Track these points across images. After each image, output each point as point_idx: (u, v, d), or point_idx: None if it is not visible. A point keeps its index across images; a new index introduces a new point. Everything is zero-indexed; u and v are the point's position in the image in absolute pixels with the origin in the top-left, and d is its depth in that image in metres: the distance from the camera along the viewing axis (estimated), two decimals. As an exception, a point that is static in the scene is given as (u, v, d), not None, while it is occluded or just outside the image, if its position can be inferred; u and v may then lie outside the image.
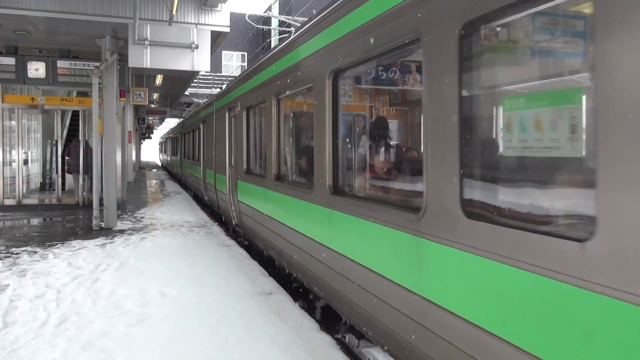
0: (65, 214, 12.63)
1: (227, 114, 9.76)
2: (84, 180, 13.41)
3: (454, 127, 2.66)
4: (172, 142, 32.14)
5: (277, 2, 31.62)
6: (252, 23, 17.78)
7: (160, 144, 55.09)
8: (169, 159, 36.55)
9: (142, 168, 40.92)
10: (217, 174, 11.05)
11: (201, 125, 14.43)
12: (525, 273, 2.16)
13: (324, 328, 4.81)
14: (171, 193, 19.18)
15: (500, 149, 2.75)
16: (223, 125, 10.19)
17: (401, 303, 3.20)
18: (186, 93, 25.17)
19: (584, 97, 2.13)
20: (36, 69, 11.06)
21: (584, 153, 2.10)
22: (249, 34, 33.15)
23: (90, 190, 13.80)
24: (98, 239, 9.04)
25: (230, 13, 10.68)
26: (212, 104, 12.29)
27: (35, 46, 11.97)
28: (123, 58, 10.96)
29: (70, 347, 4.24)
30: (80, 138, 13.52)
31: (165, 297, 5.56)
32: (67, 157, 13.86)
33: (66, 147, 14.07)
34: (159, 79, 15.90)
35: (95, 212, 10.31)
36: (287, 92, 5.97)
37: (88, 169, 13.34)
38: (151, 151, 71.82)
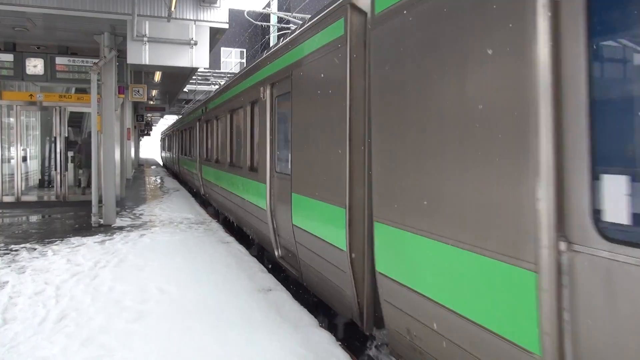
0: (64, 210, 12.62)
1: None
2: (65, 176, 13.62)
3: None
4: (180, 136, 22.69)
5: (276, -2, 31.55)
6: (251, 19, 17.70)
7: (162, 139, 43.65)
8: (174, 157, 27.61)
9: (140, 165, 40.88)
10: (384, 225, 3.56)
11: (267, 97, 6.83)
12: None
13: (323, 325, 4.82)
14: (170, 190, 19.18)
15: None
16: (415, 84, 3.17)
17: None
18: (185, 90, 25.13)
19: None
20: (34, 66, 11.03)
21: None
22: (248, 31, 33.11)
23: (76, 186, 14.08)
24: (97, 236, 9.04)
25: (229, 9, 10.65)
26: (310, 34, 5.05)
27: (34, 43, 11.93)
28: (122, 54, 10.93)
29: (69, 343, 4.25)
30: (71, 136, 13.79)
31: (165, 294, 5.57)
32: (78, 154, 14.15)
33: (76, 144, 14.26)
34: (157, 76, 15.87)
35: (95, 209, 10.30)
36: None
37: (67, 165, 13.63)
38: (150, 148, 71.76)
